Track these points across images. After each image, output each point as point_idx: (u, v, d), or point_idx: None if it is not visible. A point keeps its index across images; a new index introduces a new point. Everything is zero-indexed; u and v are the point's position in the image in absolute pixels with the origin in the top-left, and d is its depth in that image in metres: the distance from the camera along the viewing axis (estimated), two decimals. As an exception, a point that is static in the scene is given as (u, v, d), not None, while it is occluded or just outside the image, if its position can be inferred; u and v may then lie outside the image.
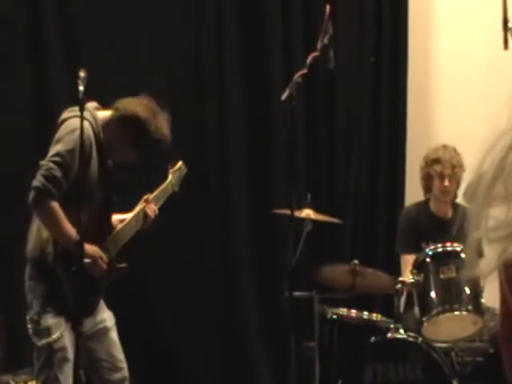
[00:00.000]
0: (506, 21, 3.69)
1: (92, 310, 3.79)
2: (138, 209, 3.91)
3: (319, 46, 4.03)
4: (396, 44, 5.87)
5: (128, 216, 3.92)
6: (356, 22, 5.86)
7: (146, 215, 3.91)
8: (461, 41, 5.87)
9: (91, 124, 3.69)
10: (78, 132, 3.57)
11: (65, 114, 3.75)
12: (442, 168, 4.80)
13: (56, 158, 3.58)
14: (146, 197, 3.95)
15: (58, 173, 3.55)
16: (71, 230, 3.58)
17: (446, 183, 4.81)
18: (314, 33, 4.80)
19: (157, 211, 3.95)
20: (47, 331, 3.64)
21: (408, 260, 4.81)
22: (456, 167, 4.77)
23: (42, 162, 3.59)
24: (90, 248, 3.63)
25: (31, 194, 3.57)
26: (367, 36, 5.88)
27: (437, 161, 4.83)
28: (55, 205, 3.56)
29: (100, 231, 3.78)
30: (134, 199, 3.98)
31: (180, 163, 4.18)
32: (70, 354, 3.65)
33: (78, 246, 3.49)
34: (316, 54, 4.03)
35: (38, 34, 5.16)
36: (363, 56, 5.88)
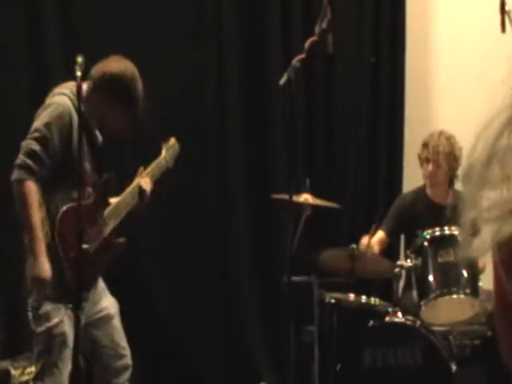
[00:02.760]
0: (503, 4, 3.69)
1: (90, 284, 3.76)
2: (133, 184, 3.88)
3: (317, 30, 4.02)
4: (394, 30, 5.86)
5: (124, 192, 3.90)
6: (354, 8, 5.85)
7: (141, 190, 3.87)
8: (459, 25, 5.86)
9: (71, 99, 3.69)
10: (53, 106, 3.64)
11: (49, 96, 3.78)
12: (427, 153, 4.82)
13: (33, 134, 3.62)
14: (140, 170, 3.91)
15: (36, 147, 3.58)
16: (38, 222, 3.56)
17: (430, 168, 4.82)
18: (313, 17, 4.79)
19: (152, 186, 3.90)
20: (46, 317, 3.63)
21: (378, 234, 4.82)
22: (441, 154, 4.77)
23: (22, 143, 3.62)
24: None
25: (13, 173, 3.59)
26: (366, 21, 5.87)
27: (425, 145, 4.86)
28: (33, 187, 3.56)
29: (96, 207, 3.77)
30: (128, 178, 3.94)
31: (173, 140, 4.11)
32: (70, 339, 3.63)
33: (40, 243, 3.53)
34: (314, 38, 4.02)
35: (37, 24, 5.15)
36: (361, 41, 5.87)
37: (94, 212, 3.74)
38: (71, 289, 3.54)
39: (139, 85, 3.76)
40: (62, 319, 3.64)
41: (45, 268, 3.55)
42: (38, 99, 4.96)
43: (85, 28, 5.20)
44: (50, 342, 3.64)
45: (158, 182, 3.95)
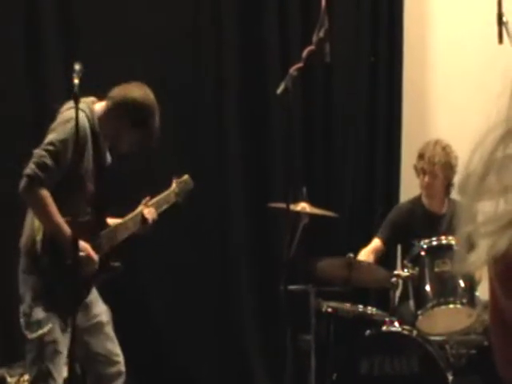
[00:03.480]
0: (500, 15, 3.70)
1: (80, 300, 3.75)
2: (136, 211, 3.89)
3: (315, 39, 4.02)
4: (392, 39, 5.86)
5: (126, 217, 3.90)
6: (352, 15, 5.86)
7: (143, 219, 3.87)
8: (456, 35, 5.87)
9: (87, 116, 3.69)
10: (72, 123, 3.58)
11: (65, 106, 3.77)
12: (422, 164, 4.83)
13: (48, 147, 3.60)
14: (146, 200, 3.92)
15: (48, 161, 3.57)
16: (61, 220, 3.58)
17: (426, 179, 4.83)
18: (311, 17, 4.80)
19: (156, 217, 3.91)
20: (38, 324, 3.63)
21: (373, 243, 4.82)
22: (436, 164, 4.77)
23: (35, 151, 3.61)
24: (82, 244, 3.61)
25: (22, 182, 3.58)
26: (363, 29, 5.88)
27: (421, 156, 4.86)
28: (45, 193, 3.56)
29: (93, 226, 3.77)
30: (133, 204, 3.95)
31: (186, 176, 4.11)
32: (62, 346, 3.64)
33: (69, 239, 3.51)
34: (311, 47, 4.03)
35: (37, 24, 5.15)
36: (359, 49, 5.88)
37: (90, 231, 3.73)
38: (63, 301, 3.54)
39: (157, 114, 3.79)
40: (53, 326, 3.63)
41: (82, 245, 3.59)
42: (37, 99, 4.99)
43: (85, 28, 5.20)
44: (42, 349, 3.64)
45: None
